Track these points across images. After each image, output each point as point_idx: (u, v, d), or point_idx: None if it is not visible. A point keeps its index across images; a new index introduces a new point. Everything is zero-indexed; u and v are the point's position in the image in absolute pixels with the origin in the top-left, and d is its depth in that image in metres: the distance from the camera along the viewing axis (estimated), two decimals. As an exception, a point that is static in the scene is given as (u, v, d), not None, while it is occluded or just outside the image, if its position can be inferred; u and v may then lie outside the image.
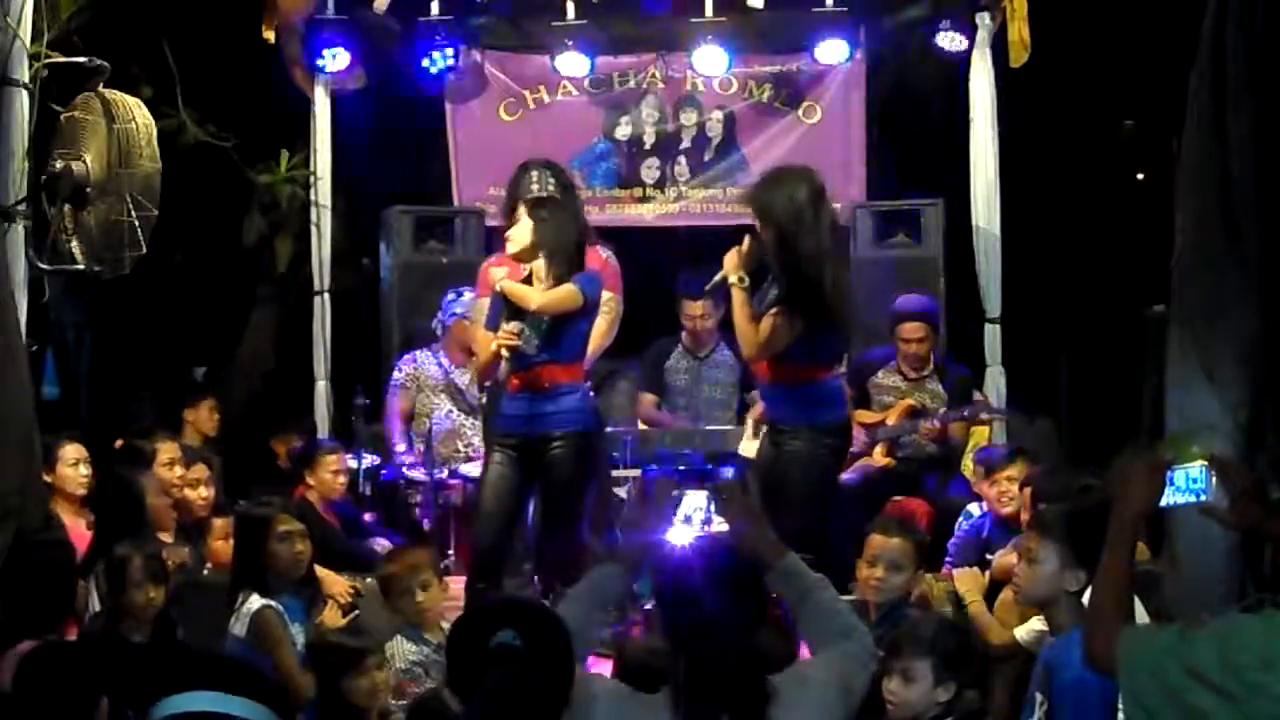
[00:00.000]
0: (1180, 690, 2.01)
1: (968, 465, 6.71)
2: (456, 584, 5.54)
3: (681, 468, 6.60)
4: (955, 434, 6.92)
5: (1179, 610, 3.79)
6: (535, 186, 5.80)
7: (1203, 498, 2.56)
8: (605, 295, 5.84)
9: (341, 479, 6.34)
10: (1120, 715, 3.61)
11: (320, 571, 5.27)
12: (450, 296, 7.05)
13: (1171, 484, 2.51)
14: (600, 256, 5.95)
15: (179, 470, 5.83)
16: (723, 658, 2.65)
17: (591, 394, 5.72)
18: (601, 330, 5.89)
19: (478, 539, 5.54)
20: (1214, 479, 2.56)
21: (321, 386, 7.96)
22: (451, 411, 7.05)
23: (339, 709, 4.13)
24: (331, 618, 5.03)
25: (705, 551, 2.83)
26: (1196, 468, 2.56)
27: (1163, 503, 2.45)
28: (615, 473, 6.62)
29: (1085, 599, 3.63)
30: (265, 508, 4.86)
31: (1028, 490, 5.22)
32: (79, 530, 5.12)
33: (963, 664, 3.69)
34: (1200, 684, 1.99)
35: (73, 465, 5.44)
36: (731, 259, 5.30)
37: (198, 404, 7.50)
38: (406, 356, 7.28)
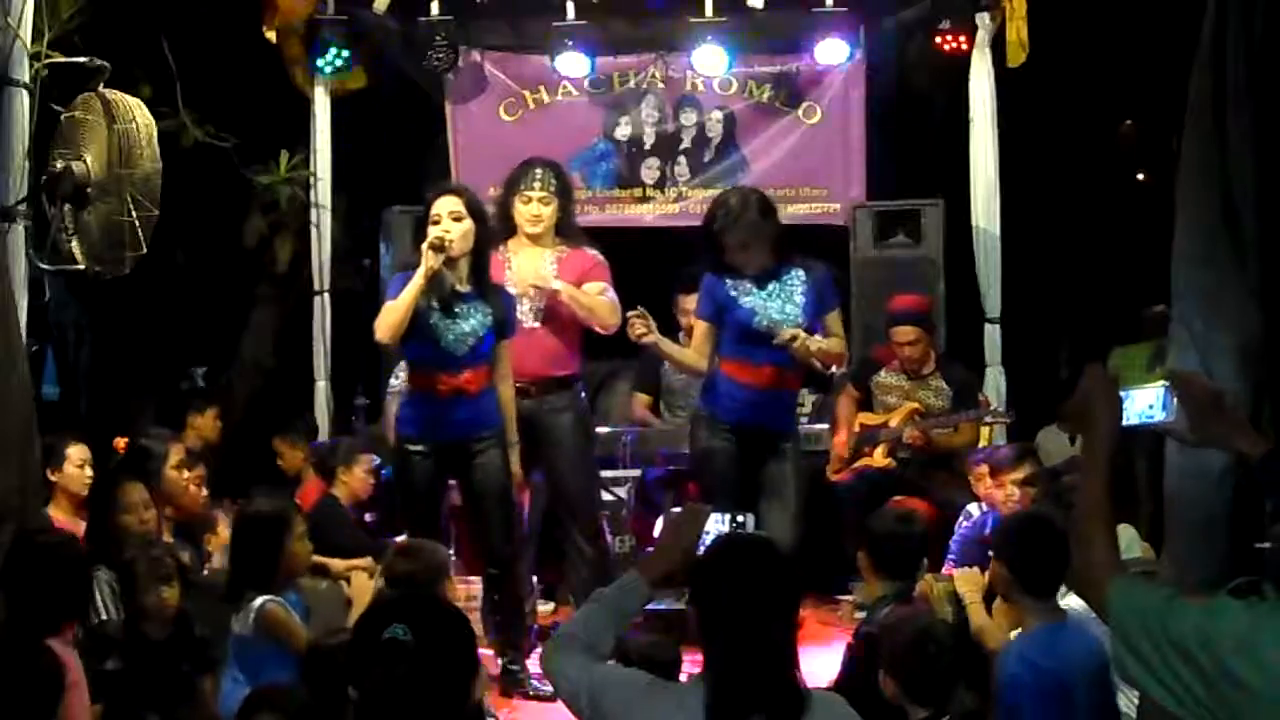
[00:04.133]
0: (1164, 648, 2.02)
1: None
2: (458, 585, 5.55)
3: (682, 468, 6.59)
4: (966, 435, 6.92)
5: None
6: (538, 185, 5.83)
7: (1161, 417, 2.49)
8: (600, 288, 5.87)
9: (373, 481, 6.35)
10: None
11: (324, 560, 5.29)
12: None
13: (1130, 406, 2.44)
14: (590, 256, 5.96)
15: (185, 472, 5.84)
16: (759, 657, 2.63)
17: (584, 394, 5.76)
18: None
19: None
20: (1173, 399, 2.49)
21: (321, 386, 7.97)
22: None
23: (338, 710, 4.11)
24: (361, 586, 5.01)
25: (744, 549, 2.80)
26: (1155, 389, 2.50)
27: (1123, 424, 2.36)
28: (615, 473, 6.61)
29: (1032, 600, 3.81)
30: (280, 507, 4.82)
31: (1029, 490, 5.22)
32: (77, 531, 5.10)
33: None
34: (1177, 653, 2.00)
35: (79, 466, 5.47)
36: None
37: (204, 410, 7.50)
38: (403, 362, 7.25)
